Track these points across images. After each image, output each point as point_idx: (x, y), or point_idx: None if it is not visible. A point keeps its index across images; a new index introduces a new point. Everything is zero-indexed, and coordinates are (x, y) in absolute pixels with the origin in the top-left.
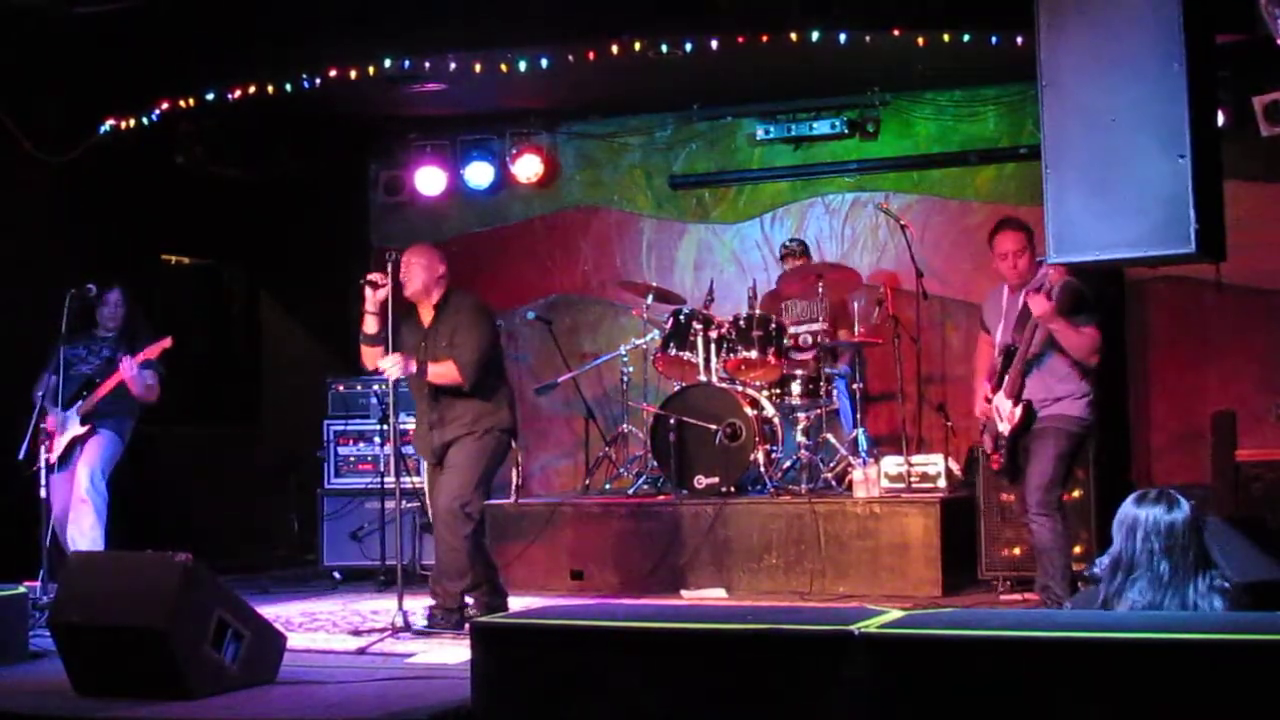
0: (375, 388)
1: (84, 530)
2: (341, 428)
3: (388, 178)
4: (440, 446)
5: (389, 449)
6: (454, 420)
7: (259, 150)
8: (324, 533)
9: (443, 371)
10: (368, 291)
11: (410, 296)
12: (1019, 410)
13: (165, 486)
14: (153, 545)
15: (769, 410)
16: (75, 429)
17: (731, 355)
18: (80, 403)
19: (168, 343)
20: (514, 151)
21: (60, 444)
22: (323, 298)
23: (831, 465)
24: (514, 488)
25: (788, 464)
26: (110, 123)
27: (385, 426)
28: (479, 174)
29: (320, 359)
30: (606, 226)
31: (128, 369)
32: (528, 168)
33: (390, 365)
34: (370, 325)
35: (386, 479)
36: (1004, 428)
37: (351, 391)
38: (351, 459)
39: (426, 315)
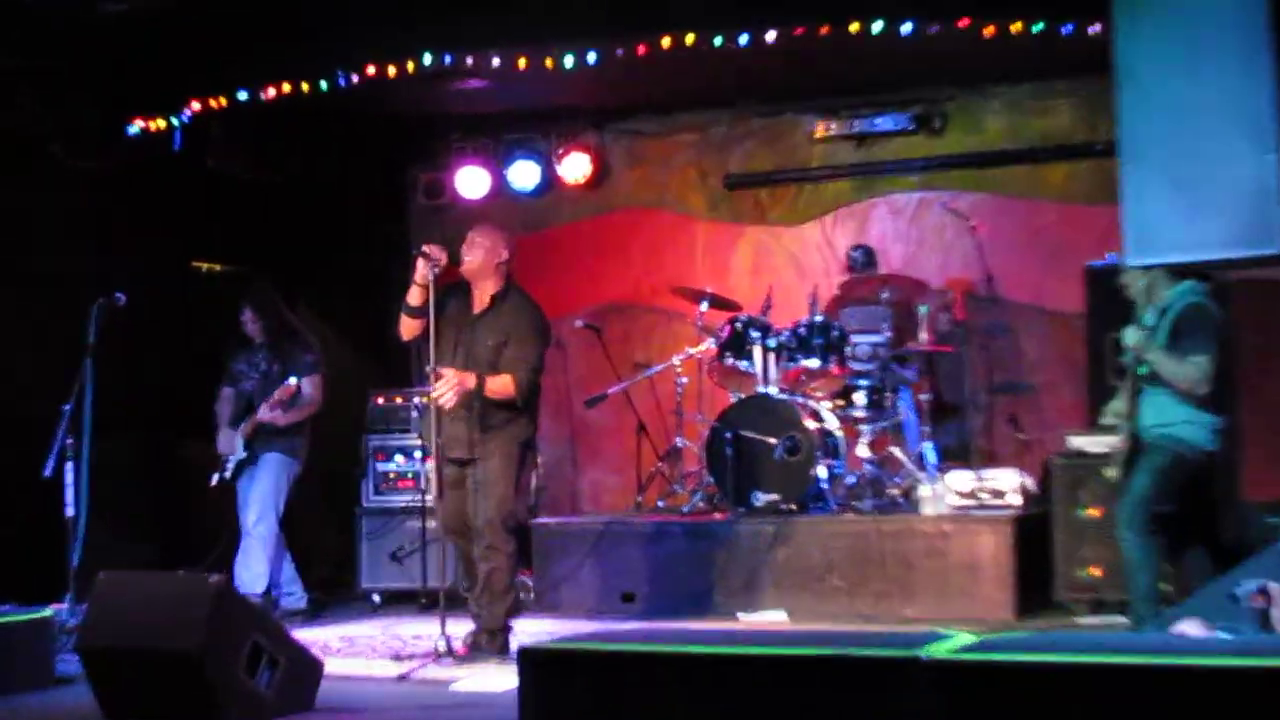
0: (416, 400)
1: (249, 566)
2: (381, 443)
3: (428, 180)
4: (473, 442)
5: (431, 465)
6: (492, 423)
7: (293, 153)
8: (362, 553)
9: (500, 388)
10: (419, 262)
11: (464, 272)
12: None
13: (195, 503)
14: (184, 565)
15: (831, 423)
16: (240, 453)
17: (791, 365)
18: (244, 423)
19: (290, 390)
20: (560, 151)
21: (230, 467)
22: (361, 306)
23: (897, 481)
24: (534, 493)
25: (851, 480)
26: (139, 124)
27: (427, 441)
28: (523, 175)
29: (359, 370)
30: (658, 229)
31: (264, 414)
32: (575, 168)
33: (445, 389)
34: (414, 296)
35: (428, 496)
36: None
37: (391, 404)
38: (391, 475)
39: (480, 300)
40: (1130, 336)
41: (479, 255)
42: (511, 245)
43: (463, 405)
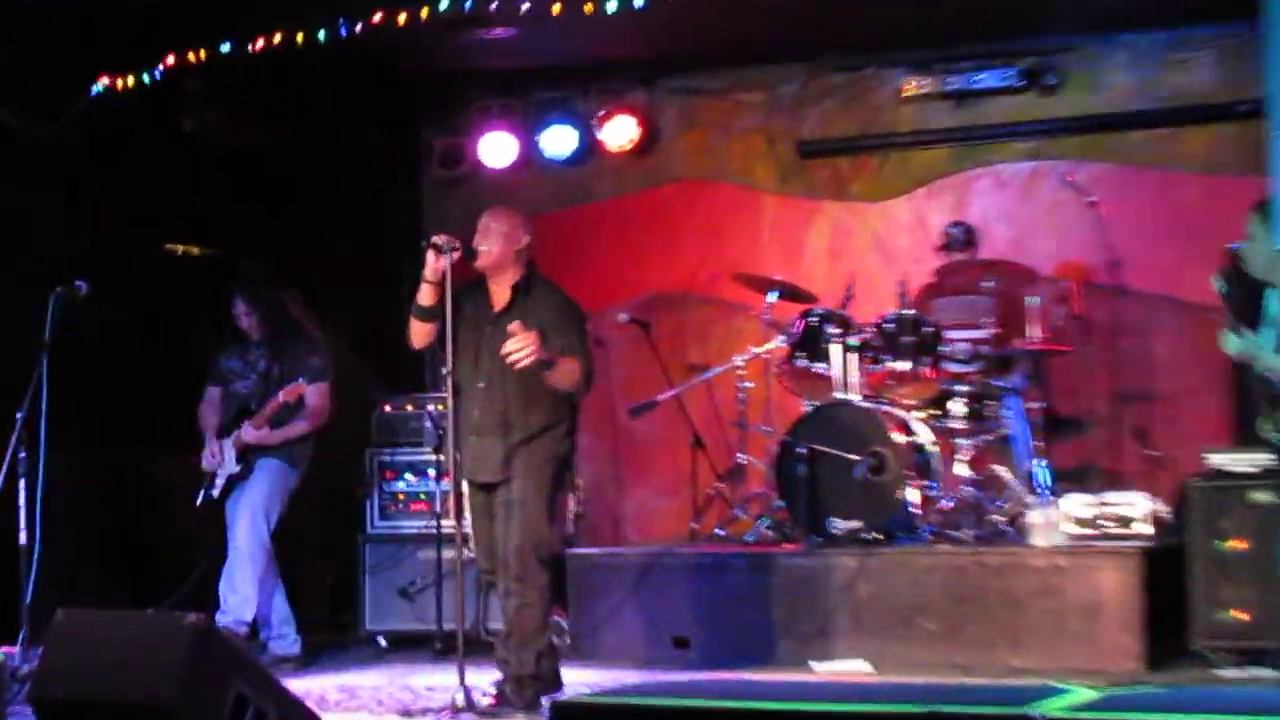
0: (430, 408)
1: (235, 587)
2: (388, 458)
3: (445, 147)
4: (504, 461)
5: (448, 484)
6: (525, 435)
7: (284, 116)
8: (366, 588)
9: (568, 373)
10: (429, 256)
11: (481, 267)
12: None
13: (168, 530)
14: (156, 602)
15: (923, 436)
16: (231, 466)
17: (876, 367)
18: (236, 433)
19: (297, 390)
20: (602, 113)
21: (219, 483)
22: (364, 296)
23: (1002, 506)
24: (573, 519)
25: (947, 504)
26: (104, 83)
27: (443, 456)
28: (558, 141)
29: (362, 373)
30: (718, 205)
31: (250, 435)
32: (619, 133)
33: (521, 346)
34: (425, 296)
35: (445, 522)
36: None
37: (400, 413)
38: (401, 497)
39: (499, 296)
40: (1233, 345)
41: (497, 244)
42: (531, 229)
43: (495, 413)
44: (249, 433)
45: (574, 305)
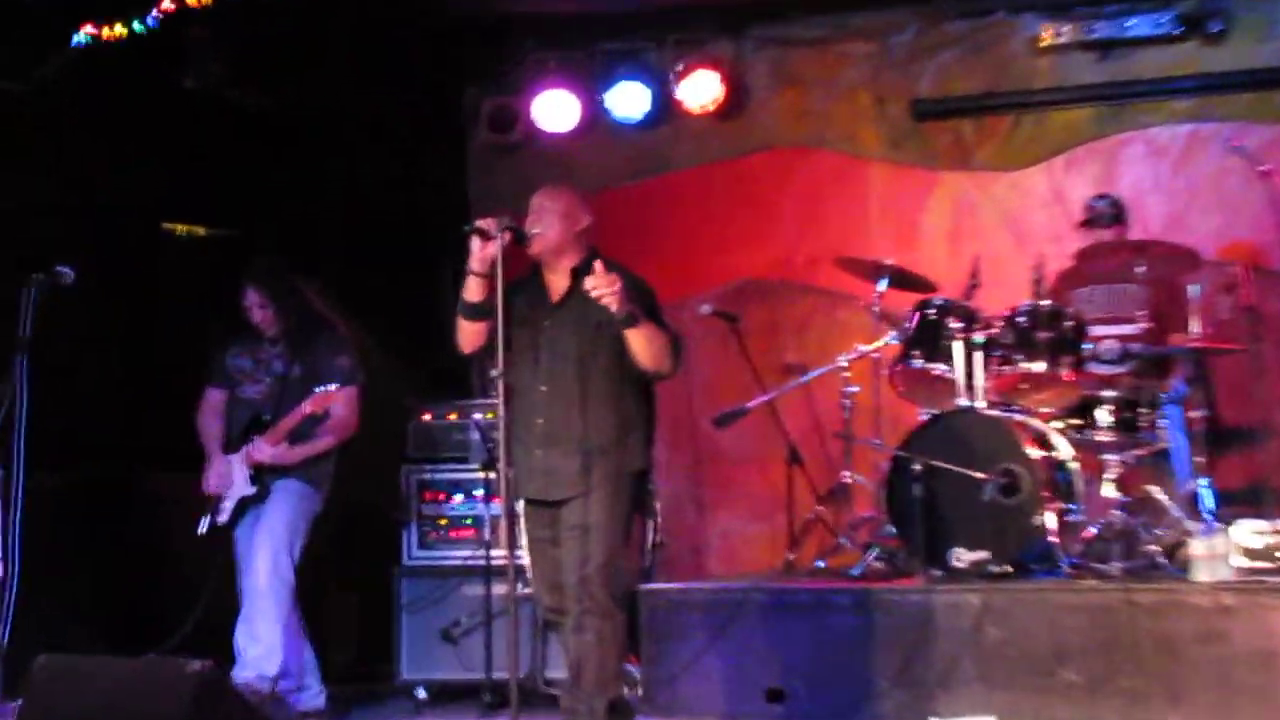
0: (477, 416)
1: (257, 637)
2: (428, 476)
3: (494, 108)
4: (576, 475)
5: (499, 506)
6: (598, 445)
7: (304, 70)
8: (402, 630)
9: (654, 340)
10: (474, 244)
11: (536, 253)
12: None
13: (170, 560)
14: (155, 647)
15: (1063, 451)
16: (244, 488)
17: (1006, 368)
18: (247, 448)
19: (326, 399)
20: (680, 68)
21: (228, 507)
22: (398, 285)
23: (1159, 534)
24: (650, 549)
25: (1092, 531)
26: (88, 31)
27: (493, 474)
28: (628, 101)
29: (396, 375)
30: (818, 177)
31: (265, 452)
32: (700, 91)
33: (603, 283)
34: (473, 290)
35: (495, 552)
36: None
37: (442, 423)
38: (443, 522)
39: (558, 285)
40: None
41: (554, 225)
42: (591, 209)
43: (562, 421)
44: (263, 449)
45: (646, 286)
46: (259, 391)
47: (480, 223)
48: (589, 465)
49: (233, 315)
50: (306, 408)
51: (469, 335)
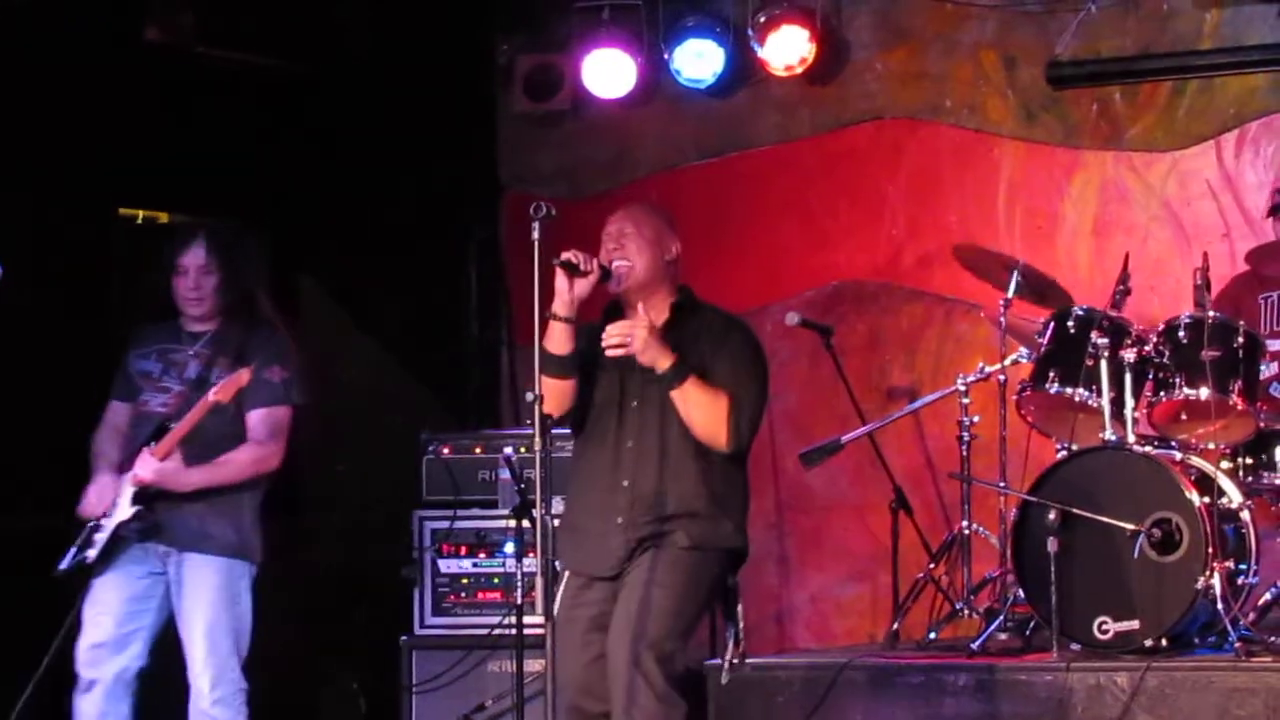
0: (509, 451)
1: None
2: (446, 525)
3: (532, 68)
4: (634, 548)
5: (533, 563)
6: (677, 513)
7: (294, 20)
8: (413, 716)
9: (707, 402)
10: (559, 280)
11: (623, 290)
12: None
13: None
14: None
15: (1233, 497)
16: (123, 510)
17: (1164, 394)
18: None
19: (235, 385)
20: (763, 20)
21: (101, 540)
22: (412, 289)
23: None
24: (728, 666)
25: (1269, 596)
26: None
27: (528, 523)
28: (699, 61)
29: (406, 396)
30: (932, 156)
31: (149, 469)
32: (786, 50)
33: (638, 329)
34: (560, 340)
35: (529, 619)
36: None
37: (465, 459)
38: (464, 581)
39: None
40: None
41: (642, 255)
42: (679, 233)
43: (647, 483)
44: (147, 463)
45: (759, 352)
46: (166, 402)
47: (568, 256)
48: (669, 528)
49: (150, 294)
50: (212, 396)
51: (557, 395)
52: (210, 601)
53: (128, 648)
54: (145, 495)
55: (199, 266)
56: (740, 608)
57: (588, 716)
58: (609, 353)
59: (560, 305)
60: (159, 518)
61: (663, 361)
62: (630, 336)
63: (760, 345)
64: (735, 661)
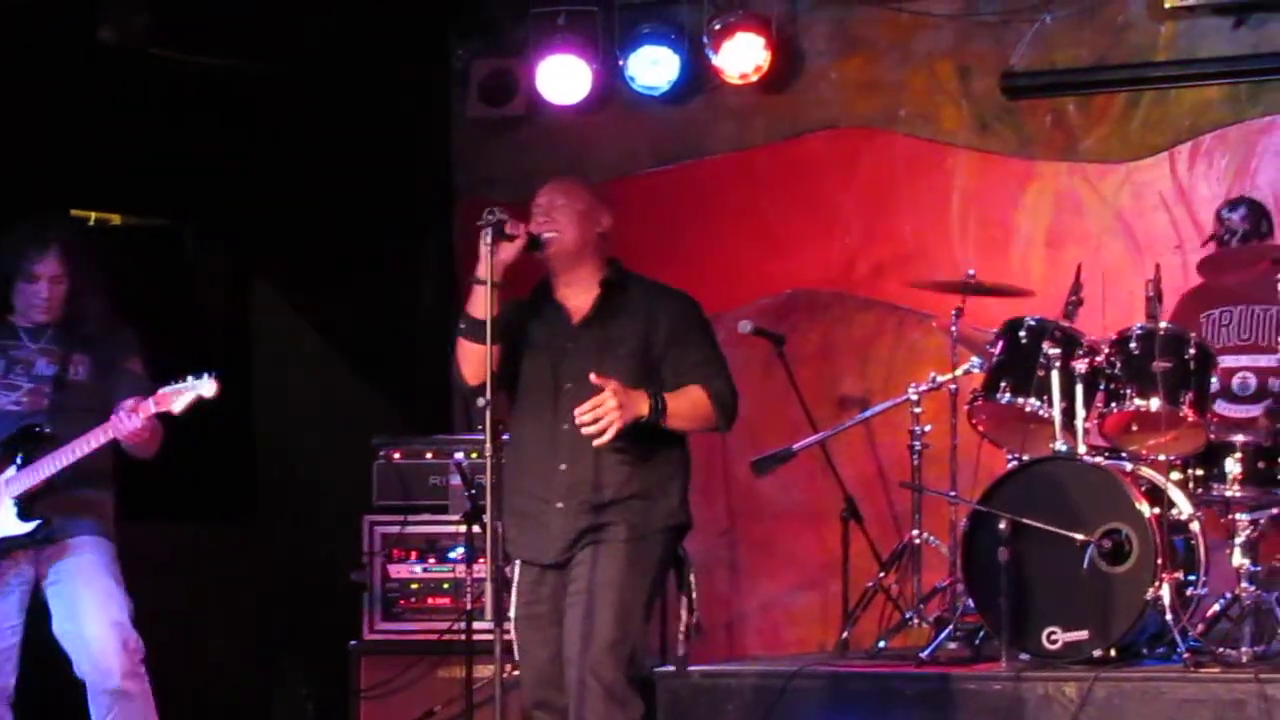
0: (459, 456)
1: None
2: (396, 530)
3: (488, 73)
4: (575, 538)
5: (484, 568)
6: (615, 499)
7: (248, 22)
8: (362, 718)
9: (689, 409)
10: (483, 246)
11: (551, 258)
12: None
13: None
14: None
15: (1184, 508)
16: (13, 525)
17: (1115, 405)
18: (18, 470)
19: (174, 400)
20: (718, 27)
21: None
22: (364, 292)
23: None
24: (683, 635)
25: (1217, 607)
26: None
27: (479, 528)
28: (654, 68)
29: (358, 401)
30: (886, 166)
31: (125, 424)
32: (742, 58)
33: (600, 414)
34: (482, 304)
35: (479, 624)
36: None
37: (416, 464)
38: (414, 587)
39: (576, 302)
40: None
41: (571, 225)
42: (610, 209)
43: (586, 468)
44: (56, 468)
45: (692, 303)
46: (19, 400)
47: (492, 215)
48: (612, 520)
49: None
50: (154, 407)
51: (475, 360)
52: (106, 580)
53: (11, 660)
54: (29, 503)
55: (52, 275)
56: (692, 577)
57: (554, 709)
58: (596, 443)
59: (482, 267)
60: (56, 527)
61: (642, 409)
62: (606, 416)
63: (699, 306)
64: (692, 632)
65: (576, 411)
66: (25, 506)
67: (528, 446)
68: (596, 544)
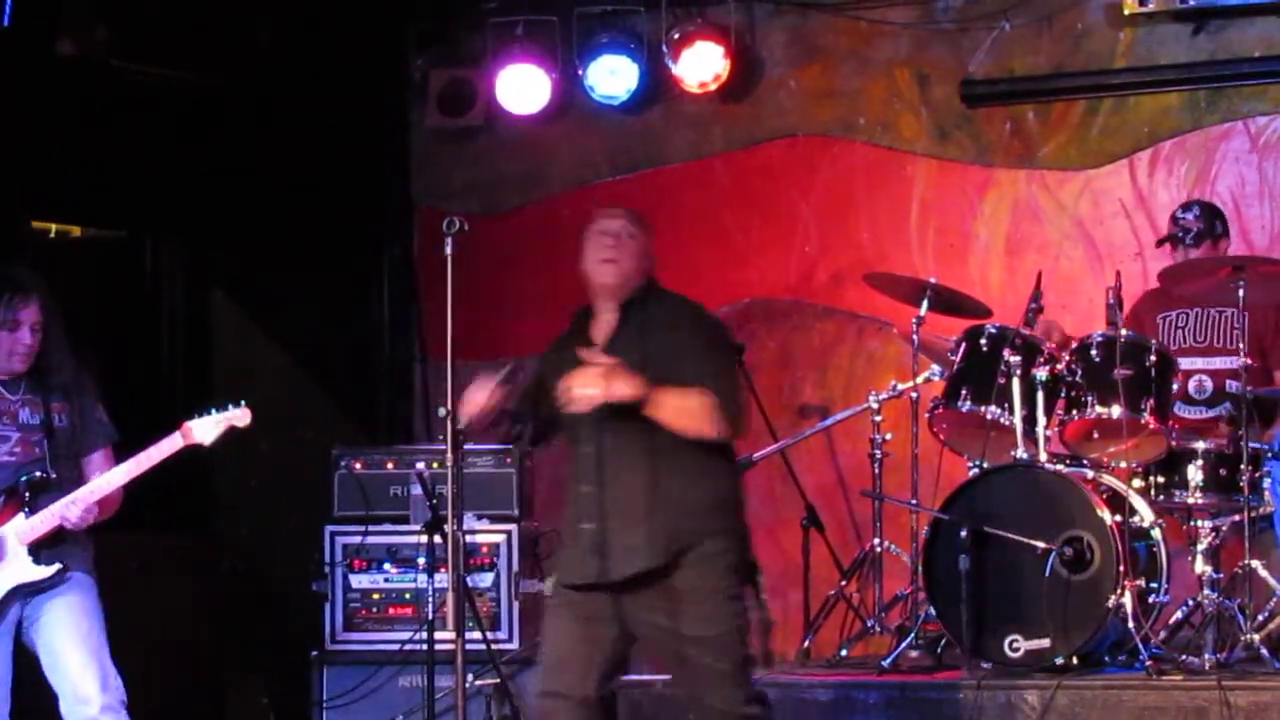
0: (421, 466)
1: None
2: (356, 540)
3: (446, 83)
4: (628, 566)
5: (445, 578)
6: (672, 520)
7: (208, 35)
8: None
9: (686, 406)
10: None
11: (603, 288)
12: None
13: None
14: None
15: (1145, 515)
16: (30, 571)
17: (1075, 412)
18: (25, 517)
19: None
20: (676, 36)
21: None
22: (322, 301)
23: (1260, 619)
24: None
25: (1179, 615)
26: None
27: (440, 538)
28: (613, 78)
29: (318, 411)
30: (845, 173)
31: (69, 517)
32: (701, 67)
33: (591, 381)
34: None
35: (439, 635)
36: None
37: (377, 474)
38: (375, 597)
39: (605, 321)
40: None
41: (630, 257)
42: None
43: (618, 484)
44: (69, 515)
45: (718, 327)
46: (10, 451)
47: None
48: (662, 544)
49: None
50: (157, 456)
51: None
52: (92, 616)
53: (5, 705)
54: (39, 548)
55: (35, 323)
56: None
57: (554, 698)
58: (573, 409)
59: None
60: (63, 572)
61: (628, 389)
62: (595, 385)
63: (723, 329)
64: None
65: (560, 383)
66: (37, 552)
67: (564, 471)
68: (689, 585)
